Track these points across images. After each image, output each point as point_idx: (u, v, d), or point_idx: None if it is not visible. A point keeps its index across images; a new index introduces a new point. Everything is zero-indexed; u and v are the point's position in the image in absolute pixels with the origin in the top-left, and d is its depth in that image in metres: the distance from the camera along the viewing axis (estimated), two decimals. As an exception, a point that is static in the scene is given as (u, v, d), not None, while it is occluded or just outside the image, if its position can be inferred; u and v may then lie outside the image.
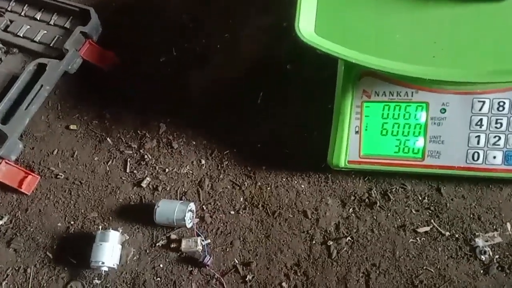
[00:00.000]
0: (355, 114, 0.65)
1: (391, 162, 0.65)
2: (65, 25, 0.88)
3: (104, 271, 0.70)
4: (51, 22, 0.89)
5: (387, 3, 0.58)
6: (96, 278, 0.71)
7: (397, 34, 0.57)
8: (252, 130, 0.77)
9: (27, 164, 0.82)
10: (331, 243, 0.67)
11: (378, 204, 0.68)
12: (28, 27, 0.89)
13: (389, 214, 0.67)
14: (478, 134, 0.61)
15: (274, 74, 0.80)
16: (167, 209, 0.71)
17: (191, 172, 0.77)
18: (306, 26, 0.59)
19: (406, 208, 0.67)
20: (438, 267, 0.63)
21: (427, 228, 0.65)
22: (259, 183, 0.73)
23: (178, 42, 0.87)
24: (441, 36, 0.56)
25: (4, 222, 0.78)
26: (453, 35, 0.56)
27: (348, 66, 0.63)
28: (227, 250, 0.70)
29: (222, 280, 0.68)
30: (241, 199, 0.73)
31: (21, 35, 0.89)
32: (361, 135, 0.65)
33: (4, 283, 0.74)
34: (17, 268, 0.75)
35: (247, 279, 0.67)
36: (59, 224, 0.77)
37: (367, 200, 0.68)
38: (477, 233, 0.64)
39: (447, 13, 0.57)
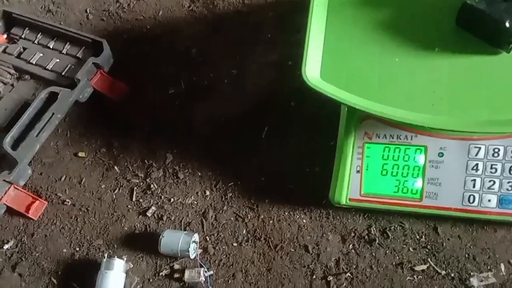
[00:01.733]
0: (357, 154, 0.68)
1: (391, 201, 0.67)
2: (77, 55, 0.91)
3: (108, 299, 0.71)
4: (64, 51, 0.92)
5: (390, 52, 0.62)
6: (100, 306, 0.72)
7: (398, 83, 0.60)
8: (256, 163, 0.80)
9: (34, 189, 0.84)
10: (331, 278, 0.69)
11: (377, 241, 0.70)
12: (41, 55, 0.92)
13: (387, 252, 0.69)
14: (474, 178, 0.64)
15: (279, 110, 0.83)
16: (172, 239, 0.73)
17: (195, 202, 0.79)
18: (312, 71, 0.63)
19: (404, 246, 0.69)
20: (434, 305, 0.65)
21: (424, 267, 0.67)
22: (262, 216, 0.76)
23: (186, 75, 0.90)
24: (440, 85, 0.60)
25: (10, 246, 0.80)
26: (451, 85, 0.59)
27: (351, 109, 0.67)
28: (229, 282, 0.72)
29: (224, 311, 0.69)
30: (244, 231, 0.75)
31: (34, 63, 0.91)
32: (362, 174, 0.68)
33: (8, 308, 0.75)
34: (21, 293, 0.76)
35: (248, 311, 0.69)
36: (65, 250, 0.78)
37: (366, 237, 0.71)
38: (472, 273, 0.66)
39: (446, 64, 0.60)
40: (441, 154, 0.65)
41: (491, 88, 0.58)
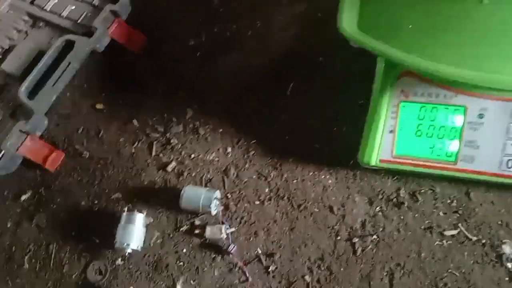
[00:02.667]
0: (391, 113, 0.64)
1: (423, 164, 0.64)
2: (93, 2, 0.86)
3: (128, 253, 0.70)
4: (80, -3, 0.88)
5: (436, 2, 0.57)
6: (119, 258, 0.72)
7: (443, 36, 0.56)
8: (280, 120, 0.77)
9: (51, 141, 0.82)
10: (356, 240, 0.67)
11: (406, 204, 0.67)
12: (56, 1, 0.88)
13: (416, 215, 0.67)
14: (515, 142, 0.61)
15: (306, 65, 0.79)
16: (193, 195, 0.71)
17: (216, 159, 0.77)
18: (349, 21, 0.58)
19: (434, 210, 0.67)
20: (463, 271, 0.63)
21: (454, 232, 0.65)
22: (285, 175, 0.73)
23: (207, 26, 0.86)
24: (489, 40, 0.55)
25: (27, 197, 0.79)
26: (501, 40, 0.55)
27: (388, 65, 0.62)
28: (251, 239, 0.70)
29: (245, 269, 0.68)
30: (267, 190, 0.73)
31: (48, 9, 0.87)
32: (395, 134, 0.65)
33: (26, 257, 0.74)
34: (39, 244, 0.75)
35: (269, 269, 0.68)
36: (83, 203, 0.77)
37: (395, 199, 0.68)
38: (504, 240, 0.63)
39: (497, 16, 0.55)
40: (481, 116, 0.61)
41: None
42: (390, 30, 0.58)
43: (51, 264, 0.73)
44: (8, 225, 0.77)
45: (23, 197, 0.79)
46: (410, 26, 0.57)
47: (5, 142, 0.76)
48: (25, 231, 0.76)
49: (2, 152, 0.76)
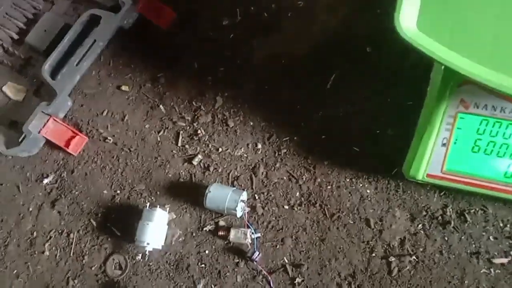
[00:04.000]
0: (446, 124, 0.56)
1: (478, 183, 0.57)
2: (121, -27, 0.80)
3: (148, 251, 0.67)
4: (107, -31, 0.81)
5: (506, 4, 0.47)
6: (140, 254, 0.69)
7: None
8: (318, 117, 0.70)
9: (75, 122, 0.78)
10: (393, 259, 0.61)
11: (452, 224, 0.61)
12: (83, -30, 0.81)
13: (462, 237, 0.60)
14: None
15: (351, 55, 0.70)
16: (219, 195, 0.66)
17: (245, 155, 0.71)
18: (408, 19, 0.49)
19: (484, 233, 0.60)
20: (511, 305, 0.57)
21: (505, 260, 0.58)
22: (319, 179, 0.67)
23: (243, 4, 0.78)
24: None
25: (50, 181, 0.76)
26: None
27: (449, 71, 0.54)
28: (277, 247, 0.66)
29: (270, 278, 0.64)
30: (297, 193, 0.67)
31: (75, -22, 0.81)
32: (448, 148, 0.57)
33: (47, 244, 0.73)
34: (60, 232, 0.73)
35: (296, 281, 0.63)
36: (105, 192, 0.74)
37: (440, 218, 0.61)
38: (562, 275, 0.56)
39: None
40: (551, 135, 0.53)
41: None
42: (453, 32, 0.49)
43: (72, 254, 0.72)
44: (30, 209, 0.75)
45: (46, 181, 0.76)
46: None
47: (26, 124, 0.73)
48: (47, 216, 0.74)
49: (24, 134, 0.73)
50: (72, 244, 0.72)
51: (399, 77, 0.67)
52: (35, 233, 0.74)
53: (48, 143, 0.77)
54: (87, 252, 0.71)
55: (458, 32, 0.49)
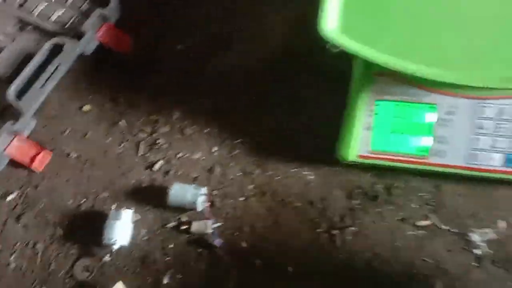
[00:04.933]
0: (367, 111, 0.69)
1: (398, 158, 0.69)
2: (82, 6, 0.89)
3: (116, 248, 0.72)
4: (68, 2, 0.90)
5: (409, 4, 0.61)
6: (108, 255, 0.73)
7: (415, 36, 0.61)
8: (264, 120, 0.80)
9: (39, 141, 0.83)
10: (336, 231, 0.70)
11: (381, 197, 0.71)
12: (44, 5, 0.90)
13: (391, 207, 0.71)
14: (481, 137, 0.66)
15: (291, 66, 0.83)
16: (180, 192, 0.73)
17: (202, 158, 0.79)
18: (329, 22, 0.63)
19: (407, 202, 0.71)
20: (436, 258, 0.67)
21: (427, 222, 0.69)
22: (269, 173, 0.76)
23: (201, 28, 0.89)
24: (458, 40, 0.60)
25: (14, 198, 0.79)
26: (469, 40, 0.60)
27: (364, 65, 0.67)
28: (236, 234, 0.73)
29: (231, 262, 0.70)
30: (251, 186, 0.76)
31: (36, 13, 0.89)
32: (371, 131, 0.69)
33: (12, 257, 0.75)
34: (26, 243, 0.76)
35: (255, 262, 0.70)
36: (70, 202, 0.78)
37: (371, 193, 0.72)
38: (473, 229, 0.68)
39: (466, 18, 0.60)
40: (450, 113, 0.66)
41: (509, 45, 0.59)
42: (368, 31, 0.62)
43: (38, 262, 0.74)
44: (-5, 225, 0.77)
45: (9, 198, 0.79)
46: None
47: (-8, 143, 0.77)
48: (11, 231, 0.77)
49: (-11, 152, 0.77)
50: (38, 254, 0.75)
51: (330, 79, 0.79)
52: (-1, 247, 0.76)
53: (11, 161, 0.81)
54: (54, 260, 0.74)
55: (370, 31, 0.62)
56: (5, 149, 0.78)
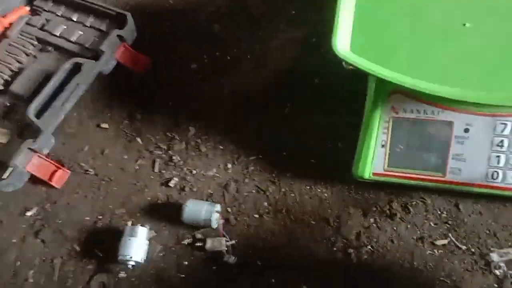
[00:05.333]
0: (383, 128, 0.68)
1: (414, 176, 0.68)
2: (100, 28, 0.91)
3: (131, 265, 0.72)
4: (87, 24, 0.92)
5: (421, 24, 0.62)
6: (123, 272, 0.74)
7: (428, 55, 0.61)
8: (278, 138, 0.81)
9: (57, 159, 0.85)
10: (351, 250, 0.70)
11: (398, 215, 0.71)
12: (65, 27, 0.92)
13: (408, 226, 0.70)
14: (499, 154, 0.65)
15: (302, 87, 0.83)
16: (195, 209, 0.74)
17: (217, 175, 0.80)
18: (342, 43, 0.63)
19: (425, 221, 0.70)
20: (454, 279, 0.66)
21: (445, 241, 0.68)
22: (283, 190, 0.76)
23: (209, 50, 0.91)
24: (471, 58, 0.60)
25: (33, 214, 0.81)
26: (482, 58, 0.60)
27: (379, 83, 0.67)
28: (250, 252, 0.73)
29: (246, 280, 0.70)
30: (265, 203, 0.76)
31: (57, 35, 0.92)
32: (387, 149, 0.68)
33: (31, 272, 0.76)
34: (44, 259, 0.77)
35: (271, 281, 0.70)
36: (87, 218, 0.79)
37: (388, 211, 0.71)
38: (492, 248, 0.67)
39: (478, 36, 0.60)
40: (466, 130, 0.66)
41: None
42: (382, 52, 0.63)
43: (56, 278, 0.75)
44: (14, 240, 0.79)
45: (29, 213, 0.81)
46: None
47: (13, 160, 0.79)
48: (31, 246, 0.78)
49: (11, 169, 0.79)
50: (56, 269, 0.76)
51: (344, 100, 0.80)
52: (18, 262, 0.77)
53: (31, 178, 0.82)
54: (71, 275, 0.75)
55: (381, 50, 0.63)
56: (25, 166, 0.80)
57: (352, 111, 0.76)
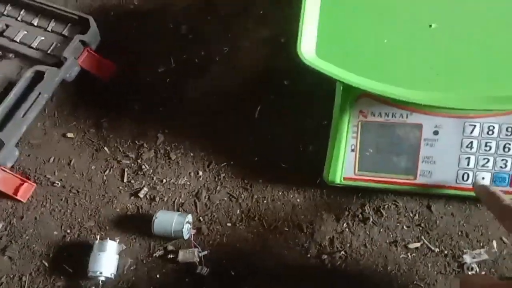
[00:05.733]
0: (352, 133, 0.67)
1: (385, 180, 0.67)
2: (62, 32, 0.88)
3: (101, 280, 0.70)
4: (49, 29, 0.89)
5: (385, 29, 0.61)
6: (93, 287, 0.72)
7: (394, 59, 0.59)
8: (249, 143, 0.79)
9: (22, 171, 0.82)
10: (325, 256, 0.69)
11: (371, 219, 0.70)
12: (25, 32, 0.89)
13: (381, 230, 0.69)
14: (468, 156, 0.64)
15: (272, 89, 0.81)
16: (165, 220, 0.72)
17: (188, 183, 0.78)
18: (308, 48, 0.61)
19: (398, 224, 0.69)
20: (428, 282, 0.65)
21: (418, 244, 0.68)
22: (256, 196, 0.75)
23: (176, 53, 0.88)
24: (437, 61, 0.59)
25: (-1, 230, 0.78)
26: (448, 61, 0.59)
27: (346, 87, 0.66)
28: (224, 261, 0.71)
29: (218, 291, 0.69)
30: (238, 211, 0.75)
31: (18, 40, 0.88)
32: (357, 153, 0.67)
33: (-2, 291, 0.74)
34: (12, 276, 0.75)
35: (243, 290, 0.69)
36: (55, 233, 0.77)
37: (360, 215, 0.71)
38: (465, 250, 0.66)
39: (443, 39, 0.59)
40: (436, 132, 0.65)
41: (489, 64, 0.57)
42: (348, 56, 0.61)
43: (24, 296, 0.73)
44: (-21, 259, 0.76)
45: (-5, 230, 0.78)
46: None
47: (-26, 176, 0.76)
48: (-3, 263, 0.76)
49: (-28, 185, 0.76)
50: (24, 287, 0.74)
51: (314, 102, 0.78)
52: (-15, 281, 0.75)
53: (-4, 192, 0.80)
54: (40, 293, 0.73)
55: (347, 55, 0.61)
56: (-12, 182, 0.77)
57: (323, 113, 0.75)
